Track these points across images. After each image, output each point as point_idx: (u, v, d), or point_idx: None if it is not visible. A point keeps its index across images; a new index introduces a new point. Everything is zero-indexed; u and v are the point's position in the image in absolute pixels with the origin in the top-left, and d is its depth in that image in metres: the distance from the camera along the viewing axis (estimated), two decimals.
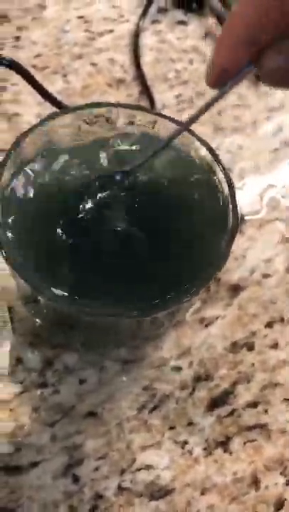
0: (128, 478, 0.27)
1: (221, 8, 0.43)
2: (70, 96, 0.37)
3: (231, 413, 0.29)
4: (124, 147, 0.26)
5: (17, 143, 0.24)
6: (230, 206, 0.24)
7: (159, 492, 0.27)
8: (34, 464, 0.26)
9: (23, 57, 0.38)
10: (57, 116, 0.26)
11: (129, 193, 0.24)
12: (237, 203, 0.24)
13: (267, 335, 0.31)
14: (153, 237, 0.24)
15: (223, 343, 0.31)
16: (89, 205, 0.23)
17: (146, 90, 0.38)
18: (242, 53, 0.18)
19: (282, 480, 0.28)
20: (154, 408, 0.28)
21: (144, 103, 0.38)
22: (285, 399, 0.30)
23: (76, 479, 0.26)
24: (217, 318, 0.31)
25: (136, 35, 0.41)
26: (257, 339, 0.31)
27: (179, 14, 0.43)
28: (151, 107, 0.38)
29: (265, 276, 0.33)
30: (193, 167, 0.26)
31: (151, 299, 0.23)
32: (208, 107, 0.21)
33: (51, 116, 0.25)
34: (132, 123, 0.27)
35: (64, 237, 0.23)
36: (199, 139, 0.25)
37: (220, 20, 0.43)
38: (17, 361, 0.28)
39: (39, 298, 0.22)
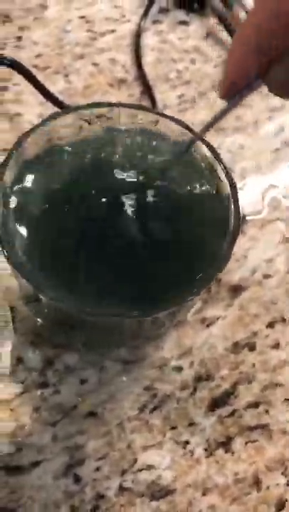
0: (129, 478, 0.27)
1: (223, 8, 0.43)
2: (72, 96, 0.37)
3: (232, 413, 0.29)
4: (127, 145, 0.26)
5: (19, 143, 0.24)
6: (232, 207, 0.24)
7: (160, 492, 0.27)
8: (35, 464, 0.26)
9: (24, 57, 0.38)
10: (58, 116, 0.26)
11: (132, 195, 0.24)
12: (239, 203, 0.24)
13: (268, 335, 0.31)
14: (154, 238, 0.24)
15: (224, 343, 0.31)
16: (92, 205, 0.23)
17: (147, 90, 0.38)
18: (251, 64, 0.18)
19: (283, 480, 0.28)
20: (155, 408, 0.28)
21: (146, 103, 0.38)
22: (286, 399, 0.30)
23: (77, 479, 0.26)
24: (218, 318, 0.31)
25: (137, 35, 0.41)
26: (258, 339, 0.31)
27: (180, 14, 0.43)
28: (153, 107, 0.38)
29: (266, 276, 0.33)
30: (194, 167, 0.26)
31: (153, 299, 0.23)
32: (217, 118, 0.21)
33: (53, 116, 0.25)
34: (133, 122, 0.27)
35: (66, 236, 0.23)
36: (202, 141, 0.25)
37: (221, 20, 0.43)
38: (18, 361, 0.28)
39: (40, 297, 0.22)
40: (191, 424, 0.28)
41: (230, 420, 0.29)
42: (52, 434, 0.27)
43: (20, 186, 0.24)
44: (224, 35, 0.42)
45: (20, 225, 0.23)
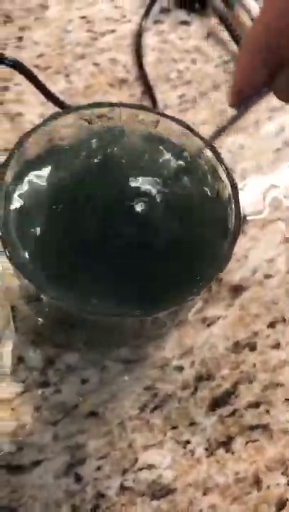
0: (130, 477, 0.27)
1: (224, 8, 0.43)
2: (73, 96, 0.37)
3: (233, 413, 0.29)
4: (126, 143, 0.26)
5: (20, 142, 0.24)
6: (233, 207, 0.24)
7: (160, 491, 0.27)
8: (36, 463, 0.26)
9: (25, 57, 0.38)
10: (60, 116, 0.26)
11: (134, 195, 0.24)
12: (240, 203, 0.24)
13: (269, 335, 0.31)
14: (156, 238, 0.24)
15: (224, 343, 0.31)
16: (93, 205, 0.23)
17: (148, 90, 0.38)
18: (257, 71, 0.18)
19: (283, 480, 0.28)
20: (156, 408, 0.28)
21: (147, 103, 0.38)
22: (286, 399, 0.30)
23: (78, 478, 0.26)
24: (219, 318, 0.31)
25: (138, 35, 0.41)
26: (259, 339, 0.31)
27: (181, 14, 0.43)
28: (154, 107, 0.38)
29: (267, 276, 0.33)
30: (195, 168, 0.26)
31: (154, 298, 0.23)
32: (227, 126, 0.21)
33: (54, 116, 0.25)
34: (134, 122, 0.27)
35: (68, 236, 0.23)
36: (202, 139, 0.25)
37: (222, 20, 0.43)
38: (18, 360, 0.28)
39: (42, 297, 0.22)
40: (192, 423, 0.28)
41: (230, 420, 0.29)
42: (53, 434, 0.27)
43: (21, 186, 0.24)
44: (225, 35, 0.42)
45: (21, 225, 0.23)
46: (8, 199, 0.23)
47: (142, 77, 0.39)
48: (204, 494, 0.27)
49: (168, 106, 0.38)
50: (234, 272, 0.33)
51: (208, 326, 0.31)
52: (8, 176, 0.23)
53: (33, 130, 0.24)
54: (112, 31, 0.41)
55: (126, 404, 0.28)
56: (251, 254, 0.34)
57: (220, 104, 0.39)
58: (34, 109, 0.36)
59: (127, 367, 0.29)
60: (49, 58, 0.39)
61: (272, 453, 0.28)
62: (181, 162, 0.26)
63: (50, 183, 0.24)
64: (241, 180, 0.36)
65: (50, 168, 0.25)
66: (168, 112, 0.30)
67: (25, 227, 0.23)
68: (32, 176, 0.24)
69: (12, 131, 0.35)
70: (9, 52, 0.38)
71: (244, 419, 0.29)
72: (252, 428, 0.29)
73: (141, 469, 0.27)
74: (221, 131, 0.22)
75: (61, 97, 0.35)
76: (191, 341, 0.30)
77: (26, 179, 0.24)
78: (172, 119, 0.26)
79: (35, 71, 0.35)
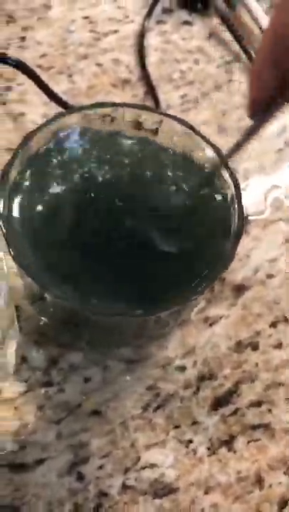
0: (132, 476, 0.27)
1: (226, 8, 0.43)
2: (76, 96, 0.37)
3: (235, 412, 0.29)
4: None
5: (25, 142, 0.24)
6: (236, 207, 0.24)
7: (163, 490, 0.27)
8: (39, 462, 0.27)
9: (28, 57, 0.38)
10: (63, 117, 0.26)
11: (137, 195, 0.24)
12: (242, 203, 0.24)
13: (271, 335, 0.31)
14: (159, 238, 0.24)
15: (227, 342, 0.31)
16: (97, 205, 0.24)
17: (151, 90, 0.38)
18: (269, 80, 0.18)
19: (285, 479, 0.28)
20: (159, 407, 0.29)
21: (149, 103, 0.38)
22: (288, 398, 0.30)
23: (81, 477, 0.27)
24: (221, 317, 0.31)
25: (141, 35, 0.41)
26: (261, 339, 0.31)
27: (183, 15, 0.44)
28: (156, 108, 0.38)
29: (269, 276, 0.33)
30: (198, 168, 0.26)
31: (157, 298, 0.23)
32: (244, 139, 0.21)
33: (58, 116, 0.25)
34: (137, 122, 0.27)
35: (72, 236, 0.23)
36: (205, 140, 0.26)
37: (224, 20, 0.43)
38: (22, 360, 0.28)
39: (46, 296, 0.22)
40: (194, 423, 0.28)
41: (233, 419, 0.29)
42: (56, 432, 0.27)
43: (25, 186, 0.24)
44: (227, 35, 0.43)
45: (25, 225, 0.23)
46: (13, 198, 0.23)
47: (145, 77, 0.39)
48: (206, 493, 0.27)
49: (170, 106, 0.39)
50: (236, 272, 0.33)
51: (211, 325, 0.31)
52: (12, 176, 0.24)
53: (37, 130, 0.24)
54: (115, 32, 0.41)
55: (128, 404, 0.28)
56: (253, 254, 0.34)
57: (222, 105, 0.39)
58: (37, 109, 0.36)
59: (129, 366, 0.29)
60: (52, 58, 0.39)
61: (274, 452, 0.28)
62: (185, 164, 0.26)
63: (54, 183, 0.24)
64: (244, 180, 0.37)
65: (54, 168, 0.25)
66: (170, 112, 0.30)
67: (29, 226, 0.23)
68: (36, 176, 0.24)
69: (15, 131, 0.35)
70: (12, 52, 0.38)
71: (246, 418, 0.29)
72: (254, 427, 0.29)
73: (143, 468, 0.27)
74: (237, 148, 0.22)
75: (64, 97, 0.36)
76: (194, 341, 0.31)
77: (30, 179, 0.24)
78: (175, 119, 0.26)
79: (38, 71, 0.35)
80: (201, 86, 0.40)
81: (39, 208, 0.24)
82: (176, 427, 0.28)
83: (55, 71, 0.39)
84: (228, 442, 0.28)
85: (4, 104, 0.36)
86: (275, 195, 0.37)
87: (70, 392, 0.28)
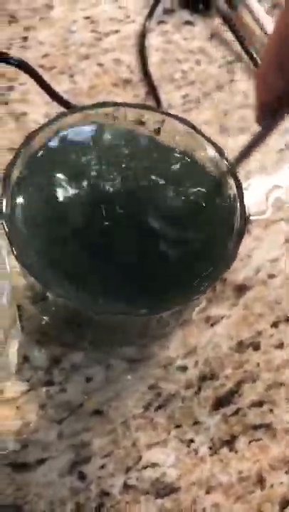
0: (134, 475, 0.27)
1: (227, 9, 0.43)
2: (77, 96, 0.38)
3: (236, 412, 0.29)
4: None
5: (27, 142, 0.24)
6: (238, 207, 0.24)
7: (164, 490, 0.27)
8: (41, 461, 0.27)
9: (30, 57, 0.38)
10: (65, 116, 0.26)
11: (141, 194, 0.24)
12: (245, 203, 0.24)
13: (272, 335, 0.31)
14: (161, 238, 0.24)
15: (228, 342, 0.31)
16: (100, 204, 0.24)
17: (152, 91, 0.39)
18: (274, 83, 0.18)
19: (287, 479, 0.28)
20: (160, 407, 0.29)
21: (151, 103, 0.38)
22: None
23: (82, 477, 0.27)
24: (223, 317, 0.32)
25: (142, 35, 0.41)
26: (262, 339, 0.31)
27: (185, 15, 0.44)
28: (158, 108, 0.38)
29: (271, 276, 0.33)
30: (200, 168, 0.26)
31: (159, 297, 0.23)
32: (252, 145, 0.21)
33: (60, 116, 0.25)
34: (139, 122, 0.27)
35: (75, 235, 0.23)
36: (208, 140, 0.26)
37: (226, 21, 0.43)
38: (24, 359, 0.28)
39: (48, 295, 0.22)
40: (196, 422, 0.28)
41: (234, 419, 0.29)
42: (58, 432, 0.27)
43: (27, 185, 0.24)
44: (229, 35, 0.43)
45: (28, 224, 0.23)
46: (15, 198, 0.23)
47: (146, 77, 0.39)
48: (208, 493, 0.27)
49: (172, 106, 0.39)
50: (238, 272, 0.33)
51: (212, 325, 0.31)
52: (15, 175, 0.24)
53: (40, 129, 0.24)
54: (116, 32, 0.41)
55: (130, 403, 0.28)
56: (255, 254, 0.34)
57: (223, 105, 0.39)
58: (39, 108, 0.37)
59: (131, 366, 0.29)
60: (54, 58, 0.39)
61: (275, 452, 0.28)
62: (187, 164, 0.26)
63: (56, 182, 0.24)
64: (245, 180, 0.37)
65: (57, 167, 0.25)
66: (172, 112, 0.30)
67: (31, 225, 0.23)
68: (38, 175, 0.24)
69: (17, 131, 0.35)
70: (14, 52, 0.38)
71: (247, 418, 0.29)
72: (255, 427, 0.29)
73: (145, 468, 0.27)
74: (246, 154, 0.21)
75: (65, 97, 0.36)
76: (195, 341, 0.31)
77: (33, 178, 0.24)
78: (177, 118, 0.26)
79: (39, 71, 0.35)
80: (203, 86, 0.40)
81: (42, 207, 0.24)
82: (178, 426, 0.28)
83: (56, 71, 0.39)
84: (230, 442, 0.28)
85: (6, 103, 0.36)
86: (277, 195, 0.37)
87: (71, 391, 0.28)
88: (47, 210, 0.24)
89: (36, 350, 0.29)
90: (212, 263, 0.23)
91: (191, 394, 0.29)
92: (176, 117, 0.26)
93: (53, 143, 0.25)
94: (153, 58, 0.41)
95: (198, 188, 0.25)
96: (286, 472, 0.28)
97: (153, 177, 0.25)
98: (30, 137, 0.24)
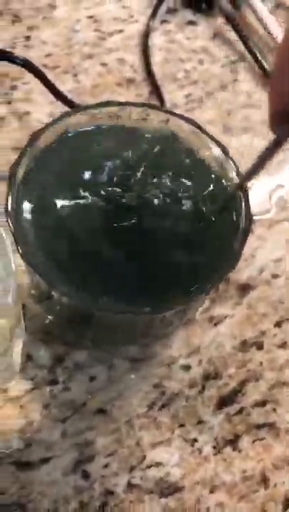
0: (138, 475, 0.27)
1: (231, 8, 0.43)
2: (81, 95, 0.38)
3: (240, 411, 0.29)
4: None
5: (32, 141, 0.24)
6: (243, 206, 0.24)
7: (168, 489, 0.27)
8: (45, 460, 0.27)
9: (33, 56, 0.38)
10: (70, 115, 0.26)
11: (145, 193, 0.24)
12: (249, 203, 0.24)
13: (276, 334, 0.31)
14: (166, 237, 0.24)
15: (232, 341, 0.31)
16: (104, 202, 0.24)
17: (156, 90, 0.39)
18: (286, 89, 0.17)
19: None
20: (164, 406, 0.29)
21: (154, 102, 0.38)
22: None
23: (86, 475, 0.27)
24: (226, 317, 0.32)
25: (145, 35, 0.41)
26: (266, 338, 0.31)
27: (188, 14, 0.44)
28: (161, 107, 0.38)
29: (274, 276, 0.33)
30: (205, 167, 0.26)
31: (163, 296, 0.23)
32: (265, 157, 0.20)
33: (65, 115, 0.25)
34: (144, 121, 0.27)
35: (79, 233, 0.23)
36: (212, 139, 0.26)
37: (229, 20, 0.43)
38: (27, 358, 0.28)
39: (53, 294, 0.22)
40: (200, 422, 0.28)
41: (237, 418, 0.29)
42: (61, 431, 0.27)
43: (32, 184, 0.24)
44: (232, 35, 0.43)
45: (33, 222, 0.23)
46: (20, 197, 0.23)
47: (150, 76, 0.39)
48: (211, 492, 0.27)
49: (175, 105, 0.39)
50: (242, 271, 0.33)
51: (216, 325, 0.31)
52: (20, 174, 0.24)
53: (45, 128, 0.25)
54: (120, 31, 0.41)
55: (134, 402, 0.28)
56: (258, 254, 0.34)
57: (227, 104, 0.39)
58: (42, 108, 0.37)
59: (134, 365, 0.29)
60: (57, 58, 0.39)
61: (279, 451, 0.28)
62: (192, 163, 0.26)
63: (61, 181, 0.24)
64: None
65: (61, 166, 0.25)
66: (175, 112, 0.30)
67: (36, 224, 0.23)
68: (43, 174, 0.24)
69: (20, 130, 0.35)
70: (17, 52, 0.38)
71: (251, 417, 0.29)
72: (259, 427, 0.29)
73: (148, 467, 0.27)
74: (258, 166, 0.21)
75: (69, 96, 0.36)
76: (198, 340, 0.31)
77: (37, 177, 0.24)
78: (182, 117, 0.26)
79: (43, 70, 0.35)
80: (206, 86, 0.40)
81: (47, 206, 0.24)
82: (181, 425, 0.28)
83: (60, 70, 0.39)
84: (233, 441, 0.28)
85: (10, 103, 0.37)
86: (280, 195, 0.37)
87: (75, 390, 0.28)
88: (52, 209, 0.24)
89: (40, 349, 0.29)
90: (217, 262, 0.23)
91: (194, 393, 0.29)
92: (180, 116, 0.26)
93: (59, 142, 0.25)
94: (156, 58, 0.41)
95: (205, 191, 0.25)
96: None
97: (157, 178, 0.25)
98: (35, 136, 0.24)
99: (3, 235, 0.22)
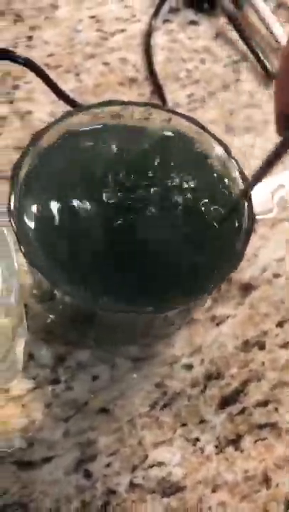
0: (140, 474, 0.27)
1: (233, 8, 0.43)
2: (83, 94, 0.38)
3: (242, 411, 0.29)
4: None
5: (35, 140, 0.24)
6: (246, 206, 0.24)
7: (170, 489, 0.27)
8: (47, 460, 0.27)
9: (35, 56, 0.38)
10: (73, 115, 0.26)
11: (149, 192, 0.24)
12: (252, 202, 0.24)
13: (278, 334, 0.31)
14: (169, 237, 0.24)
15: (234, 341, 0.31)
16: (107, 202, 0.24)
17: (158, 89, 0.39)
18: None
19: None
20: (166, 405, 0.29)
21: (156, 102, 0.38)
22: None
23: (88, 475, 0.27)
24: (228, 317, 0.31)
25: (148, 34, 0.41)
26: (268, 338, 0.31)
27: (190, 14, 0.44)
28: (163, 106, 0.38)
29: (276, 275, 0.33)
30: (208, 167, 0.26)
31: (166, 296, 0.23)
32: (272, 161, 0.20)
33: (67, 115, 0.25)
34: (146, 120, 0.27)
35: (81, 233, 0.23)
36: (215, 138, 0.26)
37: (231, 20, 0.43)
38: (29, 357, 0.28)
39: (55, 293, 0.22)
40: (202, 421, 0.28)
41: (240, 418, 0.29)
42: (63, 430, 0.27)
43: (35, 183, 0.24)
44: (234, 35, 0.43)
45: (36, 222, 0.23)
46: (23, 196, 0.23)
47: (152, 76, 0.39)
48: (214, 491, 0.27)
49: (177, 105, 0.39)
50: (244, 271, 0.33)
51: (218, 324, 0.31)
52: (22, 174, 0.24)
53: (48, 127, 0.24)
54: (122, 31, 0.41)
55: (136, 402, 0.28)
56: (261, 253, 0.34)
57: (229, 104, 0.39)
58: (44, 107, 0.37)
59: (136, 364, 0.29)
60: (59, 57, 0.39)
61: (280, 451, 0.28)
62: (195, 162, 0.26)
63: (64, 181, 0.24)
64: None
65: (63, 166, 0.25)
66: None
67: (39, 223, 0.23)
68: (46, 174, 0.24)
69: (22, 130, 0.35)
70: (19, 52, 0.38)
71: (253, 417, 0.29)
72: (261, 426, 0.29)
73: (151, 466, 0.27)
74: (265, 170, 0.20)
75: (71, 96, 0.36)
76: (201, 340, 0.31)
77: (40, 177, 0.24)
78: (184, 116, 0.26)
79: (45, 70, 0.35)
80: (208, 85, 0.40)
81: (50, 205, 0.24)
82: (184, 425, 0.28)
83: (62, 70, 0.39)
84: (235, 441, 0.28)
85: (11, 102, 0.37)
86: (281, 195, 0.37)
87: (77, 389, 0.28)
88: (54, 208, 0.23)
89: (42, 349, 0.29)
90: (219, 263, 0.23)
91: (196, 392, 0.29)
92: (183, 116, 0.26)
93: (61, 141, 0.25)
94: (158, 57, 0.41)
95: (208, 191, 0.25)
96: None
97: (159, 178, 0.25)
98: (37, 136, 0.24)
99: (6, 234, 0.22)
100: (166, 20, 0.43)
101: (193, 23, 0.43)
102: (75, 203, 0.24)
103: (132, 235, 0.23)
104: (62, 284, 0.21)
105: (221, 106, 0.39)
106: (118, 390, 0.29)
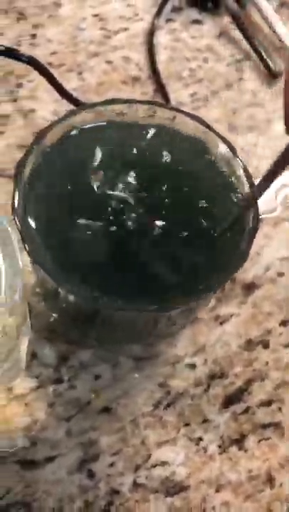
0: (143, 474, 0.27)
1: (237, 7, 0.43)
2: (86, 93, 0.37)
3: (246, 411, 0.29)
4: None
5: (38, 139, 0.24)
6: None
7: (174, 488, 0.27)
8: (49, 459, 0.26)
9: (39, 54, 0.38)
10: (76, 113, 0.26)
11: (153, 190, 0.24)
12: (257, 202, 0.24)
13: (282, 333, 0.31)
14: (173, 236, 0.24)
15: (237, 340, 0.31)
16: (111, 199, 0.24)
17: (161, 88, 0.38)
18: None
19: None
20: (169, 405, 0.29)
21: (159, 101, 0.38)
22: None
23: (91, 475, 0.26)
24: (232, 316, 0.31)
25: (151, 33, 0.41)
26: (272, 337, 0.31)
27: (193, 13, 0.43)
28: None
29: (280, 274, 0.33)
30: (212, 166, 0.26)
31: (170, 295, 0.23)
32: (281, 163, 0.19)
33: (71, 113, 0.25)
34: (150, 118, 0.27)
35: (85, 231, 0.23)
36: (219, 136, 0.26)
37: (235, 19, 0.43)
38: (32, 356, 0.28)
39: (59, 291, 0.22)
40: (205, 420, 0.28)
41: (243, 417, 0.29)
42: (66, 430, 0.27)
43: (39, 182, 0.24)
44: (237, 34, 0.43)
45: (40, 220, 0.23)
46: (27, 195, 0.23)
47: (155, 75, 0.39)
48: (217, 491, 0.27)
49: (180, 104, 0.39)
50: (247, 270, 0.33)
51: (221, 323, 0.31)
52: (26, 172, 0.23)
53: (51, 126, 0.24)
54: (125, 29, 0.41)
55: (139, 401, 0.28)
56: (264, 252, 0.34)
57: (232, 103, 0.39)
58: (47, 105, 0.36)
59: (139, 364, 0.29)
60: (62, 56, 0.39)
61: (284, 451, 0.28)
62: (200, 161, 0.26)
63: (67, 179, 0.24)
64: (254, 178, 0.36)
65: (67, 164, 0.25)
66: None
67: (43, 222, 0.23)
68: (50, 172, 0.24)
69: (25, 128, 0.35)
70: (23, 50, 0.38)
71: (257, 416, 0.29)
72: (264, 426, 0.29)
73: (154, 466, 0.27)
74: (273, 174, 0.20)
75: (74, 94, 0.36)
76: (204, 339, 0.30)
77: (44, 175, 0.24)
78: (188, 115, 0.26)
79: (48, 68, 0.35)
80: (211, 84, 0.40)
81: (54, 204, 0.23)
82: (187, 424, 0.28)
83: (65, 68, 0.39)
84: (239, 441, 0.28)
85: (15, 100, 0.36)
86: (285, 194, 0.37)
87: (80, 389, 0.28)
88: (58, 207, 0.23)
89: (45, 348, 0.29)
90: (224, 262, 0.23)
91: (200, 392, 0.29)
92: (187, 114, 0.26)
93: (65, 140, 0.25)
94: (161, 56, 0.41)
95: (213, 190, 0.25)
96: None
97: (163, 176, 0.25)
98: (41, 134, 0.24)
99: (11, 233, 0.22)
100: (169, 19, 0.43)
101: (196, 22, 0.43)
102: (79, 201, 0.23)
103: (135, 235, 0.23)
104: (65, 282, 0.21)
105: (224, 105, 0.39)
106: (121, 389, 0.28)
